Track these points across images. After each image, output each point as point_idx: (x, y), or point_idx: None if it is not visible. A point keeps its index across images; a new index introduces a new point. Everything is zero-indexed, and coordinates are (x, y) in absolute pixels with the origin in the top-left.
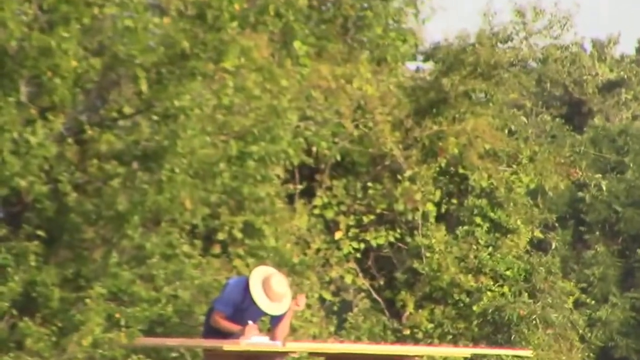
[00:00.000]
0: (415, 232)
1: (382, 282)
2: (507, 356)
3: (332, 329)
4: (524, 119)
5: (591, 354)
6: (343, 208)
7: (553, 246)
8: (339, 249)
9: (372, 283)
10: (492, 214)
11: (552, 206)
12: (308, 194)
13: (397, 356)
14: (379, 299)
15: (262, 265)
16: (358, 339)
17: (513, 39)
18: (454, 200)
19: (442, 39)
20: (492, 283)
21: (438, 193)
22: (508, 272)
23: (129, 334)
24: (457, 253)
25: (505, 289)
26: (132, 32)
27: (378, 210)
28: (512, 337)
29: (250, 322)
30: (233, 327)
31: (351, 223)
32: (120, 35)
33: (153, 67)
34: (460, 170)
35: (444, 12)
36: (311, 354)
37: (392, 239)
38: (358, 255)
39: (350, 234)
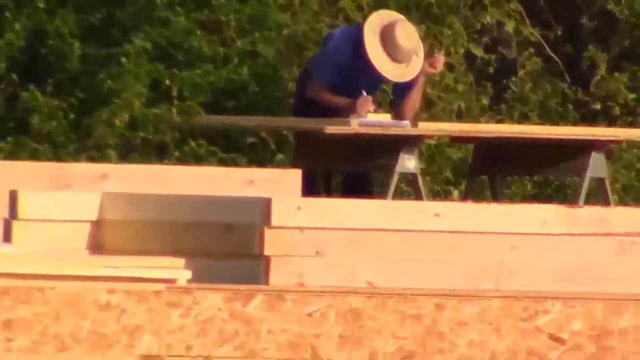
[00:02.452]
0: None
1: (560, 32)
2: None
3: (485, 101)
4: None
5: None
6: None
7: None
8: None
9: (544, 33)
10: None
11: None
12: None
13: (581, 141)
14: (556, 57)
15: (382, 9)
16: (524, 117)
17: None
18: None
19: None
20: None
21: None
22: None
23: (184, 109)
24: None
25: None
26: None
27: None
28: None
29: (364, 92)
30: (339, 100)
31: None
32: None
33: None
34: None
35: None
36: (454, 138)
37: None
38: None
39: None
